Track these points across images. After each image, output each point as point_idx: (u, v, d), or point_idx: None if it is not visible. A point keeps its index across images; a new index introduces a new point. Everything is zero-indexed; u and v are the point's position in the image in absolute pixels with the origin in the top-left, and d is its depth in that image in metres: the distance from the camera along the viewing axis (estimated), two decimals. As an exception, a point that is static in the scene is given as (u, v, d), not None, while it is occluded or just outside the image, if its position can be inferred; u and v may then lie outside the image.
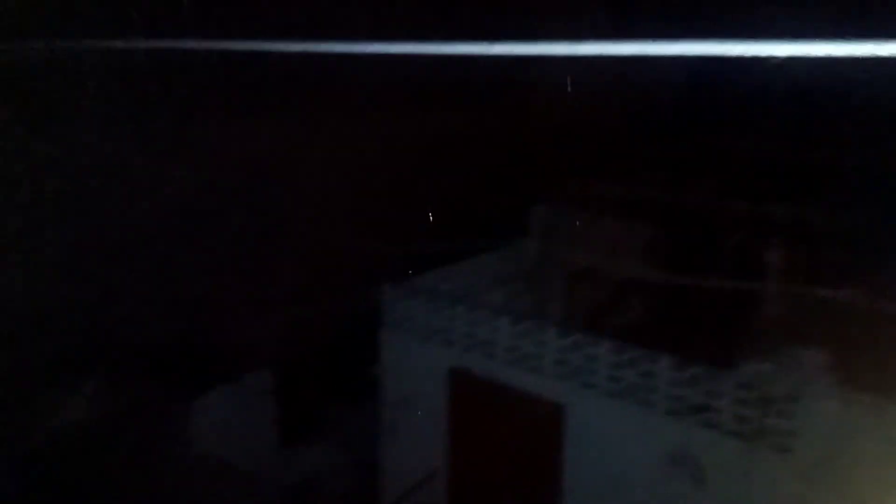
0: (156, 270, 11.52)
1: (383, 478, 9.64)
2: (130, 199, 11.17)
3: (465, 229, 11.25)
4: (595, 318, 11.91)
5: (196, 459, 10.01)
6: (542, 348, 8.00)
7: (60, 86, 10.50)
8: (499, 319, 8.35)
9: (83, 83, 10.77)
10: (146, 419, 10.67)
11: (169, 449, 10.32)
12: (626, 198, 12.02)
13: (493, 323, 8.37)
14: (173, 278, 11.79)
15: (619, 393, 7.47)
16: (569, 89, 12.64)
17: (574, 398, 7.80)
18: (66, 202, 10.66)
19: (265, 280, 12.36)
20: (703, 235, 11.73)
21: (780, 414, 6.43)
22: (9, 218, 10.37)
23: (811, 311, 9.02)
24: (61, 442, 10.44)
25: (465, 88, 13.96)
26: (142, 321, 11.34)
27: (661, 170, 12.64)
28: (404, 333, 9.10)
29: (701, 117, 13.06)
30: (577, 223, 11.61)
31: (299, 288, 12.15)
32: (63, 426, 10.43)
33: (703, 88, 11.24)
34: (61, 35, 9.83)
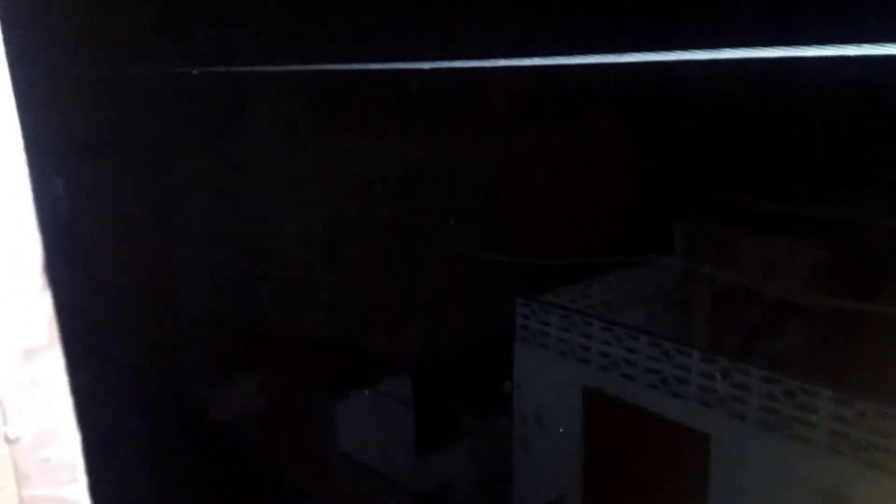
0: (306, 277, 12.29)
1: (515, 492, 9.55)
2: (286, 210, 12.02)
3: (604, 244, 10.94)
4: (746, 342, 11.06)
5: (339, 457, 10.48)
6: (685, 373, 7.55)
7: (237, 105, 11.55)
8: (638, 339, 7.99)
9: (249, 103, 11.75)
10: (295, 416, 11.36)
11: (314, 445, 10.90)
12: (788, 213, 11.09)
13: (632, 343, 8.03)
14: (321, 285, 12.51)
15: (773, 426, 6.87)
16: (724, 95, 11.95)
17: (721, 428, 7.28)
18: (236, 211, 11.68)
19: (406, 290, 12.76)
20: (877, 257, 10.56)
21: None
22: (191, 226, 11.53)
23: None
24: (223, 432, 11.37)
25: (608, 98, 13.65)
26: (294, 326, 12.13)
27: (831, 184, 11.55)
28: (538, 349, 8.98)
29: (880, 123, 11.82)
30: (729, 240, 10.87)
31: (437, 299, 12.42)
32: (224, 418, 11.34)
33: (881, 93, 10.16)
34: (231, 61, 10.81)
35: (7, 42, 1.08)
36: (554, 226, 12.74)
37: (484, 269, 12.52)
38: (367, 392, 10.81)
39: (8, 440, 1.03)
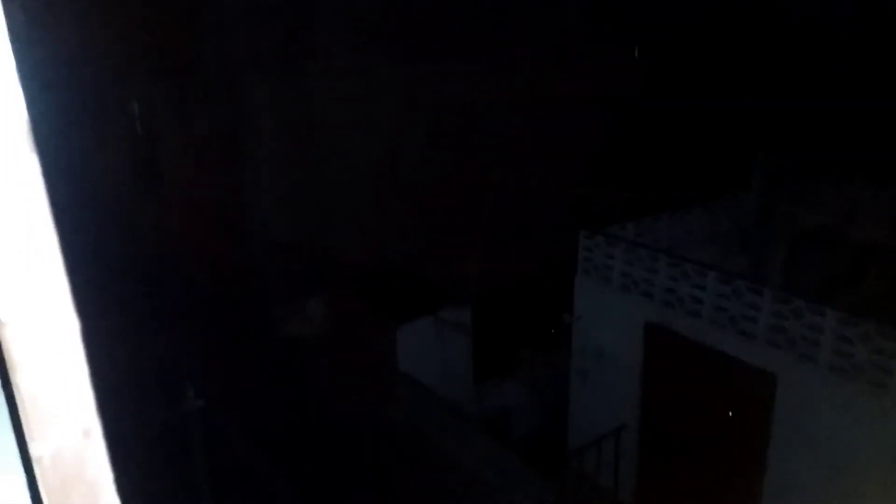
0: (373, 204, 12.40)
1: (572, 424, 9.63)
2: (354, 137, 12.04)
3: (677, 177, 10.52)
4: (823, 285, 10.58)
5: (400, 377, 10.78)
6: (755, 311, 7.29)
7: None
8: (706, 276, 7.74)
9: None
10: (358, 339, 11.70)
11: (376, 367, 11.23)
12: (874, 156, 10.36)
13: (700, 279, 7.78)
14: (388, 212, 12.61)
15: (845, 370, 6.60)
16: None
17: (790, 369, 7.05)
18: (306, 137, 11.79)
19: (471, 220, 12.72)
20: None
21: None
22: (262, 152, 11.73)
23: None
24: (287, 351, 11.85)
25: (688, 29, 12.85)
26: (359, 251, 12.34)
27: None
28: (601, 282, 8.84)
29: None
30: (813, 178, 10.27)
31: (501, 229, 12.35)
32: (288, 338, 11.78)
33: None
34: None
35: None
36: (624, 159, 12.32)
37: (550, 201, 12.31)
38: (430, 319, 10.98)
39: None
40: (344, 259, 11.98)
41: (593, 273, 8.91)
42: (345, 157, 12.01)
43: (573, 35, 13.16)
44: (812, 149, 10.53)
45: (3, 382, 0.89)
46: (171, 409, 9.27)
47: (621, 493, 8.37)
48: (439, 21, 12.01)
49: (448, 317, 10.92)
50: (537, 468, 8.93)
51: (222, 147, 12.46)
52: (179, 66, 12.76)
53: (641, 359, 8.54)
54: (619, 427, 8.04)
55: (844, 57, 12.05)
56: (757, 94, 11.63)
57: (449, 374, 11.11)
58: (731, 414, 7.75)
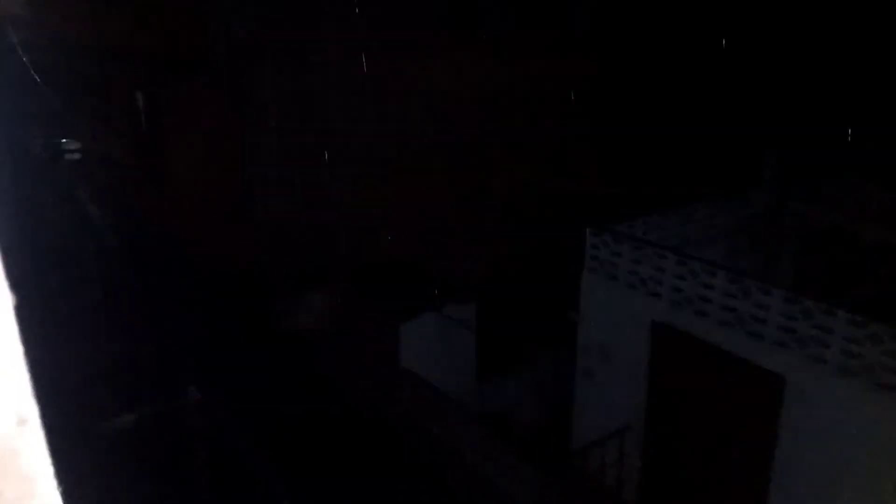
0: (378, 197, 12.31)
1: (576, 423, 9.53)
2: (360, 129, 11.95)
3: (686, 173, 10.38)
4: (833, 285, 10.42)
5: (401, 375, 10.70)
6: (764, 312, 7.16)
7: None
8: (715, 275, 7.61)
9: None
10: (361, 333, 11.63)
11: (378, 363, 11.15)
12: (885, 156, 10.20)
13: (708, 278, 7.66)
14: (393, 206, 12.51)
15: (854, 371, 6.47)
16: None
17: (798, 370, 6.92)
18: (312, 129, 11.71)
19: (476, 215, 12.62)
20: None
21: None
22: (268, 142, 11.65)
23: None
24: (291, 343, 11.77)
25: (702, 21, 12.68)
26: (362, 246, 12.26)
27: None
28: (607, 280, 8.72)
29: None
30: (824, 177, 10.11)
31: (507, 225, 12.25)
32: (289, 332, 11.70)
33: None
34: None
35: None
36: (632, 154, 12.18)
37: (557, 197, 12.18)
38: (434, 314, 10.88)
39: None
40: (346, 253, 11.90)
41: (600, 270, 8.80)
42: (348, 149, 11.92)
43: (585, 22, 12.99)
44: (823, 148, 10.39)
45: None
46: (154, 404, 9.21)
47: (625, 493, 8.26)
48: (446, 7, 11.88)
49: (452, 313, 10.83)
50: (540, 466, 8.84)
51: (226, 139, 12.41)
52: (184, 57, 12.70)
53: (647, 358, 8.43)
54: (624, 427, 7.93)
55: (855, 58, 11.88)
56: (769, 92, 11.47)
57: (452, 370, 11.03)
58: (737, 415, 7.63)
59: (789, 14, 11.51)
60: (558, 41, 12.58)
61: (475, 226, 12.39)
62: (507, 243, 12.51)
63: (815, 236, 10.08)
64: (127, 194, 15.63)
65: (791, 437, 7.06)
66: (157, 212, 14.76)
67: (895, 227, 9.91)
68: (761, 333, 7.19)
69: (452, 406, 10.11)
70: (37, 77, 12.98)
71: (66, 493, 0.83)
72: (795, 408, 6.98)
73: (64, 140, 15.42)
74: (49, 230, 13.19)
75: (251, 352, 11.51)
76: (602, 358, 8.99)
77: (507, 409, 11.57)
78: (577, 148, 12.98)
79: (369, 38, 11.24)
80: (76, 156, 15.54)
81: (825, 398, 6.73)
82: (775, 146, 10.40)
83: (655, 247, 8.32)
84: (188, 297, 13.03)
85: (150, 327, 11.89)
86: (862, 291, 10.77)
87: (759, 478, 7.35)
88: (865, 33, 10.88)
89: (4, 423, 0.80)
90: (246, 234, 12.23)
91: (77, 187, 15.01)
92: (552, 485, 8.02)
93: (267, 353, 11.67)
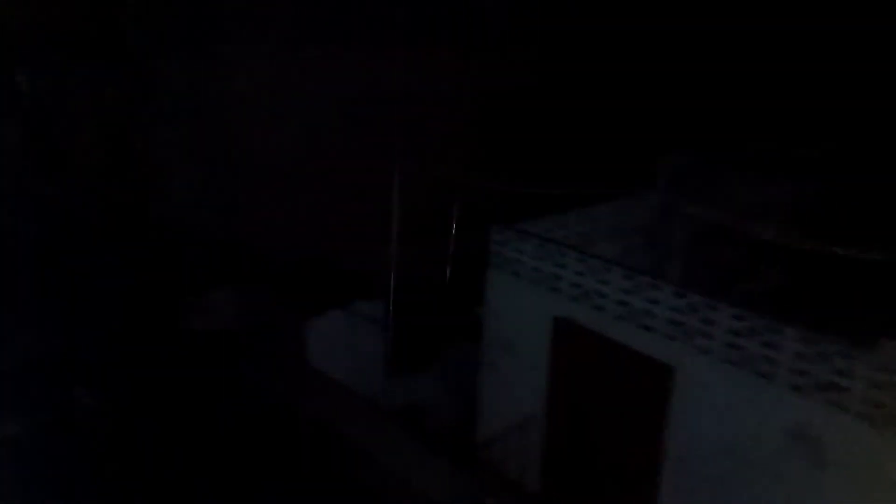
0: (285, 197, 12.07)
1: (481, 416, 9.73)
2: (265, 128, 11.67)
3: (584, 175, 10.78)
4: (719, 281, 11.13)
5: (310, 373, 10.58)
6: (655, 306, 7.58)
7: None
8: (610, 271, 7.97)
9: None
10: (267, 332, 11.39)
11: (286, 360, 10.97)
12: (774, 153, 10.95)
13: (604, 275, 8.02)
14: (297, 206, 12.30)
15: (737, 361, 6.97)
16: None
17: (686, 361, 7.37)
18: (215, 125, 11.32)
19: (381, 214, 12.60)
20: (860, 201, 10.54)
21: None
22: (170, 138, 11.17)
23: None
24: (194, 343, 11.39)
25: (603, 32, 13.19)
26: (267, 244, 12.00)
27: (822, 126, 11.36)
28: (511, 277, 8.95)
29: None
30: (712, 177, 10.76)
31: (413, 224, 12.30)
32: (193, 331, 11.32)
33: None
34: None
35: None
36: (534, 155, 12.52)
37: (461, 196, 12.34)
38: (342, 312, 10.81)
39: None
40: (252, 250, 11.62)
41: (504, 267, 9.02)
42: (254, 146, 11.64)
43: (481, 29, 13.21)
44: (711, 147, 11.03)
45: None
46: (42, 411, 8.73)
47: (528, 482, 8.54)
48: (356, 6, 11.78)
49: (361, 311, 10.80)
50: (448, 460, 8.98)
51: (123, 131, 11.81)
52: (79, 40, 11.99)
53: (549, 351, 8.72)
54: (527, 418, 8.19)
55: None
56: (659, 93, 12.09)
57: (361, 367, 11.01)
58: (631, 404, 8.04)
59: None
60: (467, 47, 12.75)
61: (384, 223, 12.38)
62: (415, 242, 12.58)
63: (703, 234, 10.73)
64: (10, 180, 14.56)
65: (680, 422, 7.52)
66: (47, 202, 13.87)
67: (777, 223, 10.65)
68: (652, 326, 7.60)
69: (361, 403, 10.10)
70: None
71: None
72: (683, 395, 7.44)
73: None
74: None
75: (152, 353, 11.06)
76: (507, 352, 9.24)
77: (417, 405, 11.66)
78: (481, 149, 13.21)
79: (275, 34, 11.00)
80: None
81: (711, 386, 7.20)
82: (669, 149, 10.99)
83: (556, 244, 8.61)
84: (83, 297, 12.35)
85: (39, 330, 11.19)
86: (745, 286, 11.56)
87: (651, 460, 7.79)
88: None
89: None
90: (145, 230, 11.70)
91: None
92: (461, 478, 8.18)
93: (169, 353, 11.24)
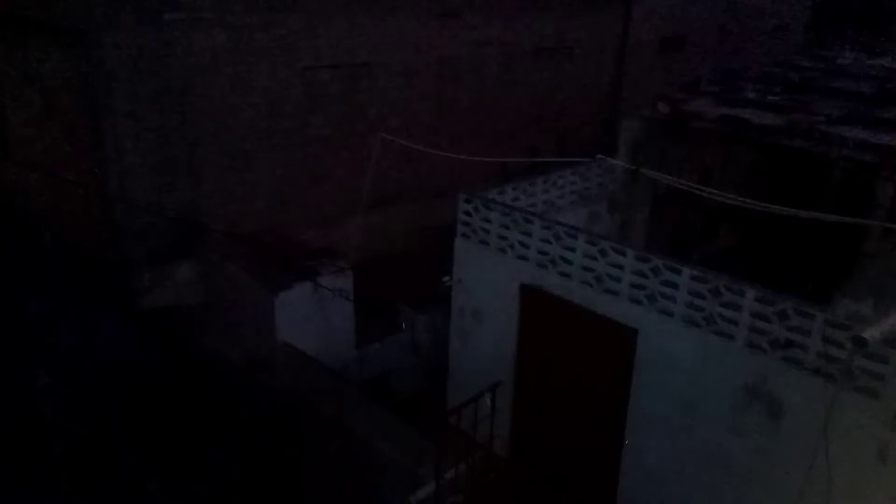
0: (249, 167, 11.85)
1: (451, 382, 9.86)
2: (229, 97, 11.38)
3: (548, 143, 10.86)
4: (680, 244, 11.42)
5: (279, 346, 10.54)
6: (619, 271, 7.74)
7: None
8: (576, 238, 8.09)
9: None
10: (234, 305, 11.28)
11: (255, 333, 10.90)
12: (730, 120, 11.18)
13: (570, 241, 8.13)
14: (264, 175, 12.09)
15: (697, 322, 7.19)
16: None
17: (648, 323, 7.58)
18: (175, 103, 10.98)
19: (349, 185, 12.50)
20: (810, 165, 10.87)
21: (871, 357, 6.00)
22: (130, 110, 10.77)
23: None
24: (159, 319, 11.20)
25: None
26: (231, 216, 11.81)
27: (777, 93, 11.61)
28: (479, 245, 9.01)
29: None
30: (671, 143, 10.95)
31: (380, 195, 12.24)
32: (158, 305, 11.15)
33: None
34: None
35: None
36: (499, 123, 12.53)
37: (427, 166, 12.30)
38: (309, 284, 10.74)
39: None
40: (216, 224, 11.43)
41: (472, 236, 9.07)
42: (214, 117, 11.36)
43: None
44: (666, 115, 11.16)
45: None
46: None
47: (496, 447, 8.71)
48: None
49: (328, 283, 10.76)
50: (417, 427, 9.10)
51: (73, 104, 11.40)
52: (23, 12, 11.48)
53: (517, 318, 8.85)
54: (495, 384, 8.32)
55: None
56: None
57: (330, 339, 11.00)
58: (597, 366, 8.25)
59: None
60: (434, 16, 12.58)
61: (349, 193, 12.29)
62: (383, 210, 12.53)
63: (663, 199, 10.96)
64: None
65: (643, 382, 7.76)
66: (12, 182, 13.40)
67: (732, 187, 10.93)
68: (617, 290, 7.77)
69: (330, 374, 10.12)
70: None
71: None
72: (647, 356, 7.66)
73: None
74: None
75: (111, 330, 10.86)
76: (475, 320, 9.34)
77: (387, 374, 11.75)
78: (449, 120, 13.14)
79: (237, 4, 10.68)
80: None
81: (673, 346, 7.42)
82: (628, 116, 11.12)
83: (523, 212, 8.68)
84: (37, 274, 12.01)
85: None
86: (704, 249, 11.89)
87: (615, 420, 8.03)
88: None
89: None
90: (100, 205, 11.38)
91: None
92: (429, 445, 8.31)
93: (129, 329, 11.06)
